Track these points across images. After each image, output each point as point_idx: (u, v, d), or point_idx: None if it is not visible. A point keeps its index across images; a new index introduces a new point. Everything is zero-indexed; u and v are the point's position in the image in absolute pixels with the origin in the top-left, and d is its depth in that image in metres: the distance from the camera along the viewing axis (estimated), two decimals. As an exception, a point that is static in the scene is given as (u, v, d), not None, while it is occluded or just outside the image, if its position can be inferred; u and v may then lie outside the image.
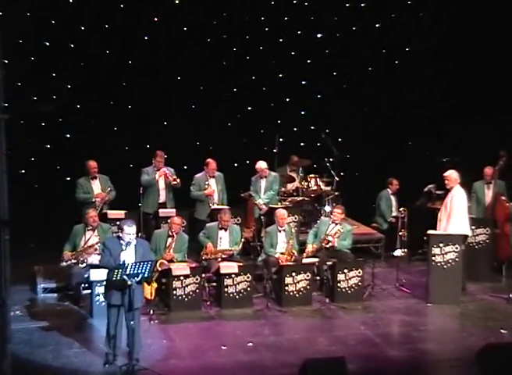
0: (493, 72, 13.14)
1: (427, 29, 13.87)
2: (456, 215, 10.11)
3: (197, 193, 11.45)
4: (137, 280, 7.65)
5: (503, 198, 11.40)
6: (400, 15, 13.84)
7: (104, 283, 8.03)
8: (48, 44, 12.46)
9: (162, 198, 11.47)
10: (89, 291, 9.42)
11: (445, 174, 10.34)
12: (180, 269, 9.68)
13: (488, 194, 11.58)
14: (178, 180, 11.33)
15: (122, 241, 7.82)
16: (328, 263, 10.29)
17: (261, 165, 11.79)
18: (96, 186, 11.20)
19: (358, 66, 13.92)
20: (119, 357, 7.94)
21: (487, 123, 12.95)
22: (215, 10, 13.13)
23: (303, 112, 13.93)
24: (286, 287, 9.91)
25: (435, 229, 10.30)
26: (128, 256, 7.77)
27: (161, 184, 11.42)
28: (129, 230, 7.78)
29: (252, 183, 11.86)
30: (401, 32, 13.84)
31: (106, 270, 7.91)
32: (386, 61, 13.97)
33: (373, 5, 13.70)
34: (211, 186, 11.44)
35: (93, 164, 11.19)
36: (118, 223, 10.72)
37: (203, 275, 9.82)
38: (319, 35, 13.81)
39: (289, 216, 10.98)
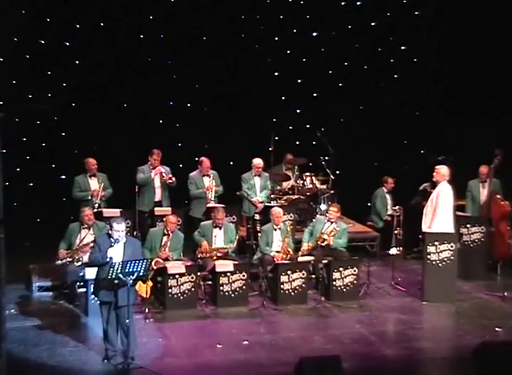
0: (492, 72, 13.14)
1: (427, 29, 13.86)
2: (441, 210, 10.12)
3: (197, 191, 11.44)
4: (133, 278, 7.67)
5: (498, 196, 11.42)
6: (400, 14, 13.82)
7: (94, 280, 8.04)
8: (44, 42, 12.42)
9: (158, 196, 11.47)
10: (84, 289, 9.40)
11: (436, 167, 10.38)
12: (176, 267, 9.68)
13: (484, 193, 11.59)
14: (173, 179, 11.33)
15: (111, 238, 7.88)
16: (323, 262, 10.29)
17: (259, 162, 11.77)
18: (94, 184, 11.18)
19: (355, 64, 13.92)
20: (117, 355, 7.97)
21: (483, 123, 12.96)
22: (211, 9, 13.11)
23: (298, 111, 13.92)
24: (282, 286, 9.92)
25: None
26: (115, 253, 7.80)
27: (157, 183, 11.42)
28: (118, 227, 7.82)
29: (244, 180, 11.77)
30: (400, 31, 13.84)
31: (97, 267, 7.95)
32: (383, 60, 13.95)
33: (372, 4, 13.68)
34: (205, 184, 11.45)
35: (92, 161, 11.18)
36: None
37: (198, 273, 9.82)
38: (315, 34, 13.80)
39: (284, 214, 10.99)
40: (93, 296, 8.47)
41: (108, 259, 7.72)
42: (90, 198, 11.05)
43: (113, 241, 7.85)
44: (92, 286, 8.30)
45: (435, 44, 13.85)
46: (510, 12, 13.01)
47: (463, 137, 13.26)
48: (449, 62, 13.62)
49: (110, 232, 7.93)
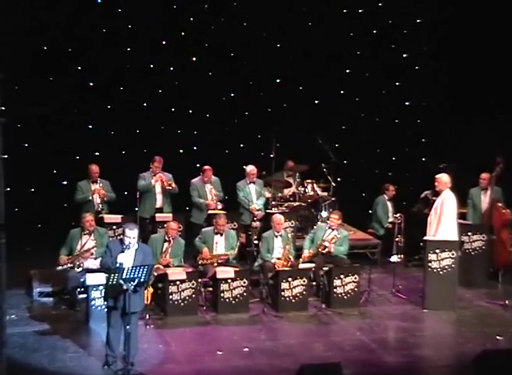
0: (491, 72, 13.13)
1: (426, 30, 13.86)
2: (446, 218, 10.12)
3: (199, 200, 11.44)
4: (134, 284, 7.66)
5: (500, 204, 11.42)
6: (399, 15, 13.83)
7: (104, 285, 8.02)
8: (44, 46, 12.44)
9: (159, 202, 11.47)
10: (85, 295, 9.39)
11: (436, 176, 10.39)
12: (176, 273, 9.67)
13: (485, 201, 11.58)
14: (173, 185, 11.33)
15: (123, 244, 7.89)
16: (324, 269, 10.28)
17: (252, 168, 11.76)
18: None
19: (356, 70, 13.92)
20: (117, 361, 7.97)
21: (483, 124, 12.94)
22: (212, 14, 13.14)
23: (299, 117, 13.92)
24: (283, 293, 9.91)
25: (431, 235, 10.33)
26: (126, 259, 7.80)
27: (158, 189, 11.43)
28: (130, 234, 7.83)
29: (240, 188, 11.72)
30: (400, 34, 13.87)
31: (104, 273, 7.94)
32: (383, 65, 13.94)
33: (372, 7, 13.69)
34: (207, 193, 11.44)
35: (95, 168, 11.21)
36: (114, 227, 10.84)
37: (199, 280, 9.81)
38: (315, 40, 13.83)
39: (285, 221, 10.97)
40: (103, 301, 8.42)
41: (117, 265, 7.71)
42: (91, 198, 11.05)
43: (124, 246, 7.86)
44: (103, 291, 8.27)
45: (434, 46, 13.85)
46: (510, 12, 13.00)
47: (464, 143, 13.25)
48: (449, 62, 13.61)
49: (122, 237, 7.95)
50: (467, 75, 13.29)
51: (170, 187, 11.30)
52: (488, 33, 13.08)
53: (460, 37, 13.34)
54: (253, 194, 11.78)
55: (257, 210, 11.65)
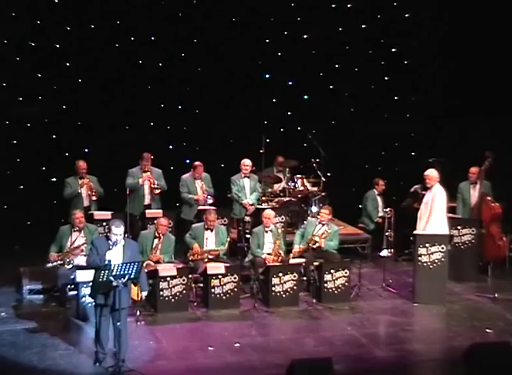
0: (487, 72, 13.16)
1: (423, 29, 13.87)
2: (436, 213, 10.15)
3: (188, 196, 11.43)
4: (124, 281, 7.66)
5: (489, 198, 11.45)
6: (399, 14, 13.84)
7: (91, 282, 8.01)
8: (33, 44, 12.40)
9: (147, 200, 11.45)
10: (75, 292, 9.37)
11: (425, 173, 10.41)
12: (167, 270, 9.67)
13: (474, 195, 11.61)
14: (158, 187, 11.28)
15: (110, 241, 7.88)
16: (314, 264, 10.30)
17: (245, 161, 11.75)
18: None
19: (346, 66, 13.92)
20: (107, 358, 7.96)
21: (473, 124, 12.98)
22: (202, 12, 13.11)
23: (289, 113, 13.93)
24: (273, 288, 9.92)
25: (420, 229, 10.36)
26: (114, 256, 7.80)
27: (146, 188, 11.40)
28: (117, 231, 7.82)
29: (234, 182, 11.75)
30: (395, 32, 13.87)
31: (93, 270, 7.93)
32: (375, 61, 13.95)
33: (368, 4, 13.67)
34: (198, 189, 11.43)
35: (82, 164, 11.19)
36: (104, 223, 10.82)
37: (190, 276, 9.81)
38: (305, 36, 13.82)
39: (276, 216, 10.98)
40: (90, 298, 8.42)
41: (106, 262, 7.71)
42: (79, 191, 11.03)
43: (111, 243, 7.84)
44: (90, 288, 8.26)
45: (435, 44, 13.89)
46: (510, 12, 12.99)
47: (454, 138, 13.28)
48: (446, 63, 13.64)
49: (108, 234, 7.93)
50: (465, 73, 13.30)
51: (156, 190, 11.27)
52: (488, 33, 13.09)
53: (459, 38, 13.36)
54: (247, 188, 11.78)
55: (251, 205, 11.66)
